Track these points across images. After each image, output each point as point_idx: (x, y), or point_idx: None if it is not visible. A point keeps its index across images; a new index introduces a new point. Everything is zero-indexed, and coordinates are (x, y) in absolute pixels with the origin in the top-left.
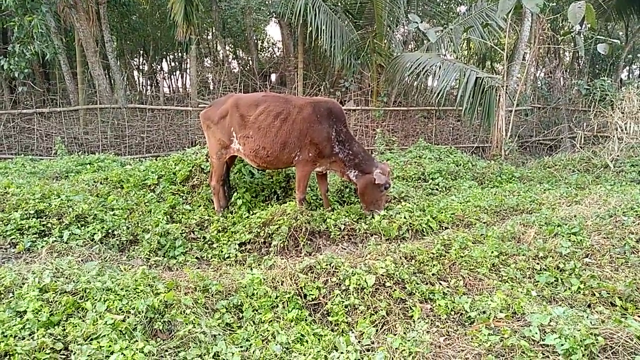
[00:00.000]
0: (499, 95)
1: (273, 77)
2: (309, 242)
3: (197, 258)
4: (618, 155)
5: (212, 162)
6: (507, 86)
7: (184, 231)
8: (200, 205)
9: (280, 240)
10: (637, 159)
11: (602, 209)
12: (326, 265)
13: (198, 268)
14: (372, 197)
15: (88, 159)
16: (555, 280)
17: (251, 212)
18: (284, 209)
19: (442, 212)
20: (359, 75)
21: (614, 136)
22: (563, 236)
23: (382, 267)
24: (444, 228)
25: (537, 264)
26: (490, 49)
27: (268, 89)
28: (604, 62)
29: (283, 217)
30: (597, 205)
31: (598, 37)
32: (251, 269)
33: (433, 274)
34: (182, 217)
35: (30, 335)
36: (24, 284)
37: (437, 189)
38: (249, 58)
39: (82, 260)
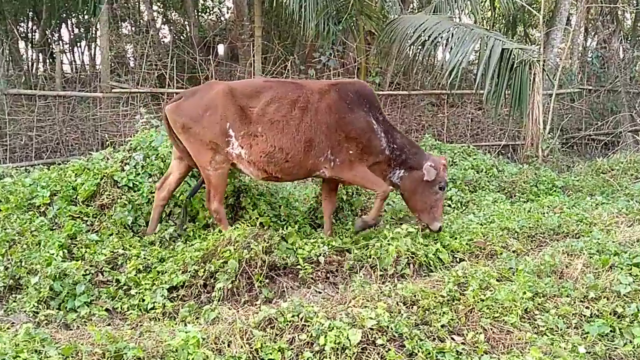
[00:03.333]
0: (534, 74)
1: (220, 49)
2: (268, 282)
3: (107, 310)
4: None
5: (208, 176)
6: (545, 61)
7: (88, 272)
8: (112, 234)
9: (228, 281)
10: None
11: None
12: (293, 316)
13: (109, 325)
14: (424, 202)
15: None
16: (611, 331)
17: (186, 243)
18: (231, 235)
19: (455, 238)
20: (341, 47)
21: None
22: (622, 269)
23: (371, 318)
24: (458, 260)
25: (587, 308)
26: (523, 10)
27: (212, 65)
28: None
29: (230, 248)
30: None
31: None
32: (185, 325)
33: (443, 326)
34: (87, 252)
35: None
36: None
37: (449, 205)
38: (186, 23)
39: None
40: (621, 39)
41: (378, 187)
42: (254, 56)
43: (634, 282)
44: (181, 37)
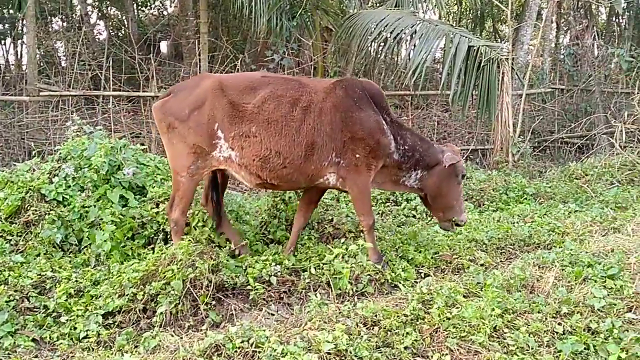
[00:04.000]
0: (503, 73)
1: (163, 46)
2: (215, 304)
3: (34, 340)
4: None
5: (178, 182)
6: (514, 59)
7: (12, 298)
8: (39, 254)
9: (170, 304)
10: None
11: None
12: (242, 342)
13: (36, 357)
14: (452, 197)
15: None
16: (585, 349)
17: (124, 263)
18: (174, 254)
19: (420, 251)
20: (296, 44)
21: None
22: (595, 281)
23: (328, 341)
24: (422, 275)
25: (559, 324)
26: (491, 4)
27: (153, 65)
28: None
29: (173, 267)
30: None
31: None
32: (123, 355)
33: (406, 348)
34: (10, 275)
35: None
36: None
37: (414, 216)
38: (124, 18)
39: None
40: (595, 35)
41: (365, 216)
42: (199, 55)
43: (608, 295)
44: (119, 33)
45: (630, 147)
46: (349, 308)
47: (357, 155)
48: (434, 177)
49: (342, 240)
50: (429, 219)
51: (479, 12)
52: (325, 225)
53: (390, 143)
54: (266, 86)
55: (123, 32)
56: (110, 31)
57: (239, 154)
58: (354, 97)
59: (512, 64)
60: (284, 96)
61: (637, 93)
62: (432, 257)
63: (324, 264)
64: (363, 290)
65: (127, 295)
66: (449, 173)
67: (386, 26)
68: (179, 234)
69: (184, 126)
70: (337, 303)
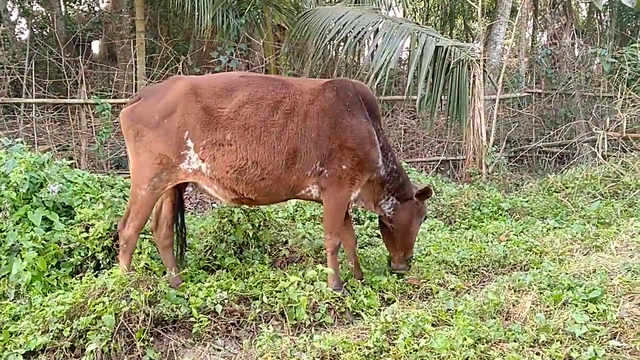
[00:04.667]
0: (474, 76)
1: (94, 47)
2: (154, 340)
3: None
4: None
5: (137, 195)
6: (486, 60)
7: None
8: None
9: (102, 342)
10: None
11: (636, 258)
12: None
13: None
14: (414, 237)
15: None
16: None
17: (48, 295)
18: (105, 284)
19: (384, 275)
20: (245, 45)
21: None
22: (576, 306)
23: None
24: (387, 302)
25: (537, 354)
26: (461, 0)
27: (82, 68)
28: (638, 19)
29: (104, 300)
30: (629, 251)
31: None
32: None
33: None
34: None
35: None
36: None
37: (377, 236)
38: (49, 15)
39: None
40: (574, 34)
41: (331, 235)
42: (135, 56)
43: (590, 321)
44: (43, 33)
45: (614, 156)
46: (305, 341)
47: (344, 167)
48: (405, 211)
49: (299, 265)
50: None
51: (447, 8)
52: (280, 248)
53: (378, 157)
54: (244, 87)
55: (48, 31)
56: (34, 30)
57: (211, 165)
58: (346, 101)
59: (484, 65)
60: (263, 98)
61: (620, 97)
62: (396, 282)
63: (277, 291)
64: (321, 321)
65: (51, 331)
66: (418, 210)
67: (345, 24)
68: (128, 255)
69: (152, 134)
70: (292, 335)
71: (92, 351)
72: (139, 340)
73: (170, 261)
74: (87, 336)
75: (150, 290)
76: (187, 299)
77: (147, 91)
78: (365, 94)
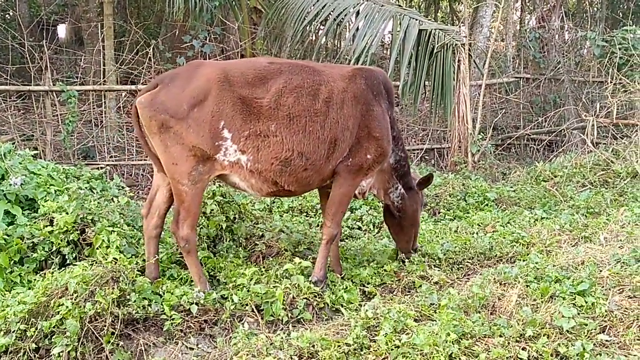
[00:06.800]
0: (459, 60)
1: (60, 31)
2: (123, 341)
3: None
4: None
5: (181, 192)
6: (472, 44)
7: None
8: None
9: (68, 346)
10: None
11: (626, 249)
12: None
13: None
14: (418, 225)
15: None
16: None
17: (10, 293)
18: (69, 282)
19: (365, 267)
20: (220, 28)
21: None
22: (564, 299)
23: None
24: (368, 296)
25: (524, 349)
26: None
27: (47, 53)
28: (630, 1)
29: (68, 300)
30: (619, 242)
31: None
32: None
33: None
34: None
35: None
36: None
37: (359, 227)
38: None
39: None
40: (563, 16)
41: (333, 224)
42: (103, 40)
43: (578, 314)
44: (5, 16)
45: (604, 144)
46: (282, 338)
47: (368, 157)
48: (411, 200)
49: (276, 259)
50: (376, 230)
51: None
52: (256, 242)
53: (390, 145)
54: (278, 75)
55: (10, 14)
56: None
57: (253, 157)
58: (374, 89)
59: (470, 49)
60: (302, 87)
61: (610, 82)
62: (378, 273)
63: (253, 286)
64: (299, 317)
65: (14, 332)
66: (420, 200)
67: (325, 6)
68: (193, 254)
69: (181, 125)
70: (268, 332)
71: (58, 354)
72: (107, 344)
73: (152, 253)
74: (52, 339)
75: (118, 291)
76: (162, 295)
77: (166, 77)
78: (387, 83)
